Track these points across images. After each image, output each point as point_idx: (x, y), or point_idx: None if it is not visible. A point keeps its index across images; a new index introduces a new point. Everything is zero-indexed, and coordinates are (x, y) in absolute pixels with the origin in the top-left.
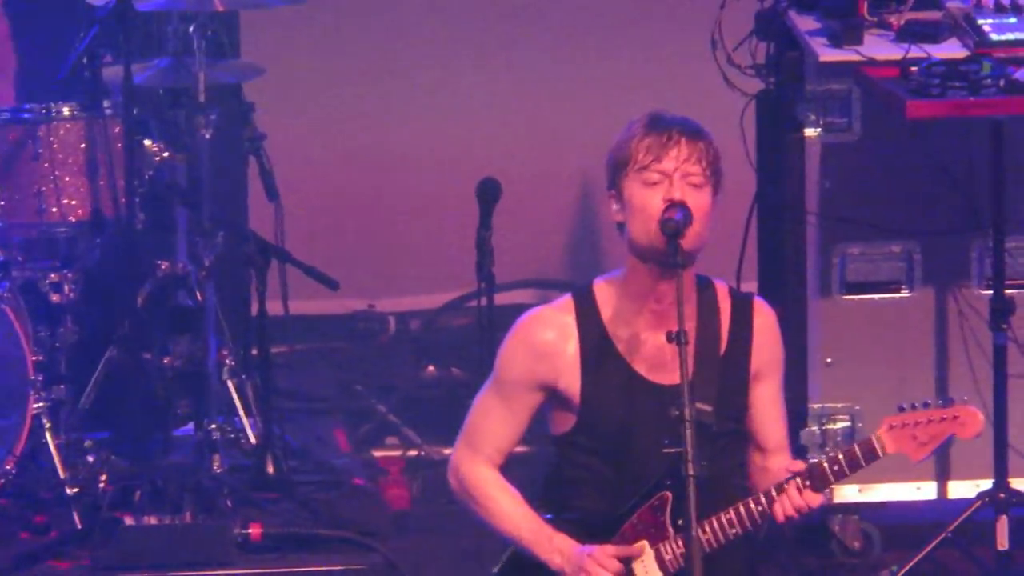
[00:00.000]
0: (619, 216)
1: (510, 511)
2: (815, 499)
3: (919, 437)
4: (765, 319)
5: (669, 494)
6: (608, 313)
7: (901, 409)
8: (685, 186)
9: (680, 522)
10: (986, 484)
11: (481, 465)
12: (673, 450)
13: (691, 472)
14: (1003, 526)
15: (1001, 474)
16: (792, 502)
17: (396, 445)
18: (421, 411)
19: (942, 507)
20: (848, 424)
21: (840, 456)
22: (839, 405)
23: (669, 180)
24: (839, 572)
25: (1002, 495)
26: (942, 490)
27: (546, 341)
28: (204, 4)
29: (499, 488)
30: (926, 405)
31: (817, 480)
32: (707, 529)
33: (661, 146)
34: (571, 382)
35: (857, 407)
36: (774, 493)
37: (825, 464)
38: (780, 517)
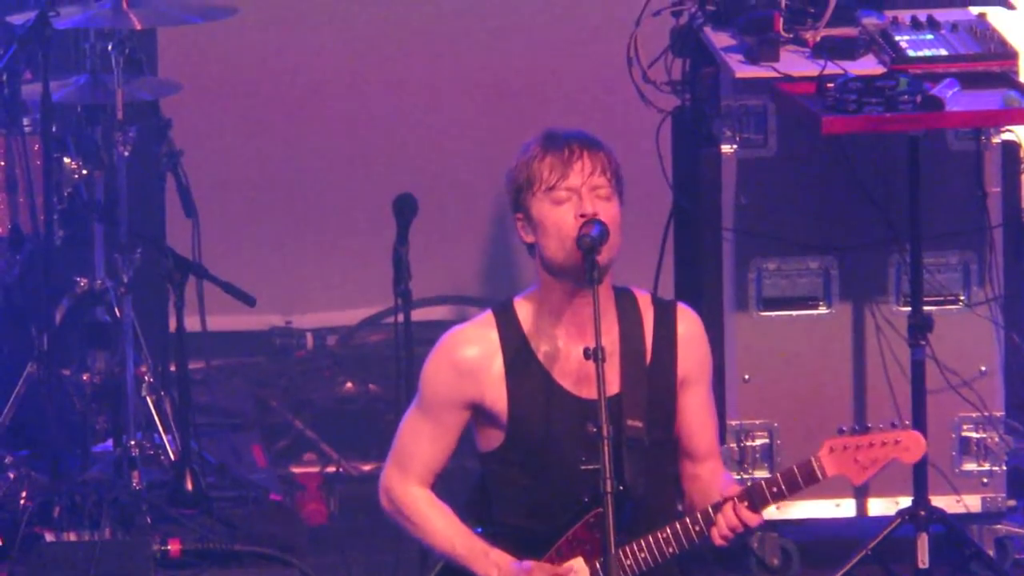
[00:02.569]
0: (529, 237)
1: (443, 528)
2: (753, 518)
3: (861, 460)
4: (689, 325)
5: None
6: (530, 329)
7: (841, 432)
8: (595, 199)
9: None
10: (906, 501)
11: (412, 485)
12: (592, 466)
13: (609, 489)
14: (923, 543)
15: (921, 491)
16: (728, 521)
17: (313, 461)
18: (338, 427)
19: (862, 524)
20: (767, 441)
21: (779, 477)
22: (757, 422)
23: (578, 195)
24: None
25: (922, 512)
26: (862, 507)
27: (470, 358)
28: (122, 21)
29: (431, 506)
30: (867, 429)
31: (755, 500)
32: (643, 547)
33: (564, 163)
34: (497, 398)
35: (775, 424)
36: (711, 513)
37: (764, 484)
38: (717, 539)
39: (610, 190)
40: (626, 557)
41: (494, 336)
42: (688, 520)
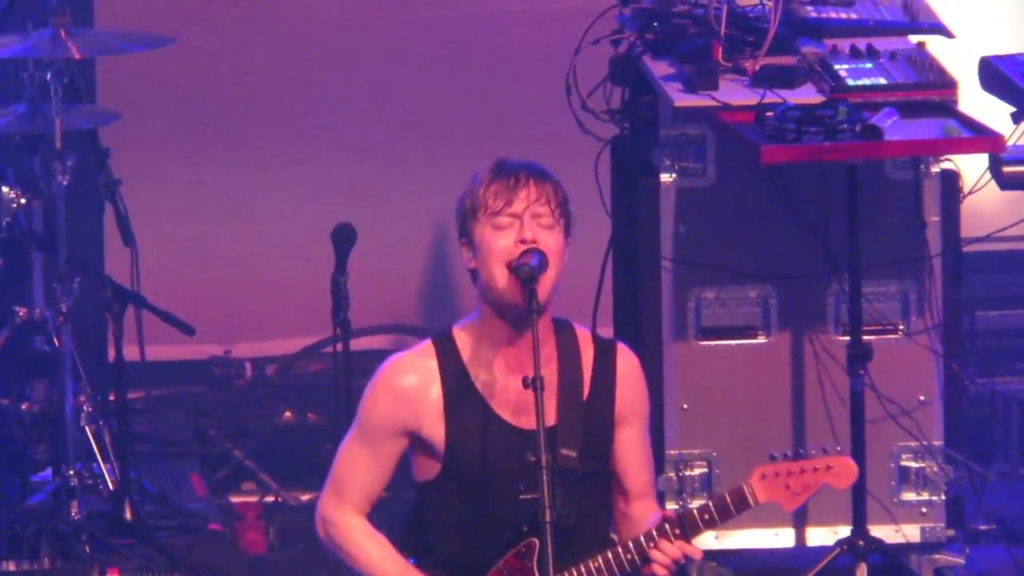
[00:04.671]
0: (472, 263)
1: (378, 558)
2: (693, 551)
3: (792, 487)
4: (628, 364)
5: (536, 540)
6: (468, 357)
7: (772, 458)
8: (536, 227)
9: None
10: (845, 531)
11: (348, 513)
12: (530, 496)
13: (548, 519)
14: (862, 573)
15: (860, 521)
16: (669, 554)
17: (253, 490)
18: (278, 456)
19: (801, 554)
20: (705, 470)
21: (711, 504)
22: (696, 451)
23: (520, 222)
24: None
25: (861, 542)
26: (800, 537)
27: (408, 387)
28: (60, 51)
29: (366, 535)
30: (799, 455)
31: (687, 527)
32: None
33: (510, 189)
34: (434, 427)
35: (714, 453)
36: (644, 542)
37: (695, 511)
38: (657, 570)
39: (552, 220)
40: None
41: (433, 365)
42: (620, 549)
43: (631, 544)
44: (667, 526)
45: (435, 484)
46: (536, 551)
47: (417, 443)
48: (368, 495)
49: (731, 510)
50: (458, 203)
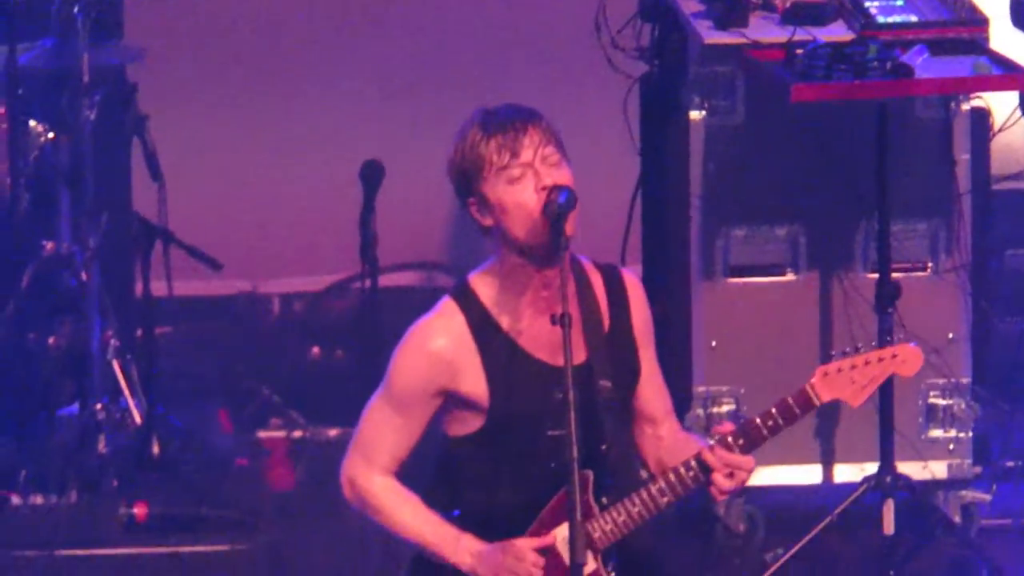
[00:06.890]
0: (487, 221)
1: (411, 518)
2: (748, 462)
3: (858, 380)
4: (636, 288)
5: (590, 472)
6: (495, 308)
7: (832, 356)
8: (549, 169)
9: (604, 500)
10: (872, 468)
11: (376, 475)
12: (561, 432)
13: (574, 455)
14: (889, 510)
15: (887, 458)
16: (728, 461)
17: (280, 426)
18: (305, 392)
19: (827, 491)
20: (733, 407)
21: (774, 410)
22: (724, 388)
23: (533, 170)
24: (723, 555)
25: (888, 479)
26: (828, 474)
27: (441, 349)
28: None
29: (398, 495)
30: (858, 350)
31: (751, 438)
32: (637, 501)
33: (512, 141)
34: (476, 383)
35: (742, 390)
36: (704, 457)
37: (758, 420)
38: (717, 492)
39: (559, 156)
40: (619, 514)
41: (460, 320)
42: (682, 466)
43: (692, 460)
44: (729, 438)
45: (477, 436)
46: (591, 483)
47: (455, 401)
48: (398, 457)
49: (796, 413)
50: (454, 165)
